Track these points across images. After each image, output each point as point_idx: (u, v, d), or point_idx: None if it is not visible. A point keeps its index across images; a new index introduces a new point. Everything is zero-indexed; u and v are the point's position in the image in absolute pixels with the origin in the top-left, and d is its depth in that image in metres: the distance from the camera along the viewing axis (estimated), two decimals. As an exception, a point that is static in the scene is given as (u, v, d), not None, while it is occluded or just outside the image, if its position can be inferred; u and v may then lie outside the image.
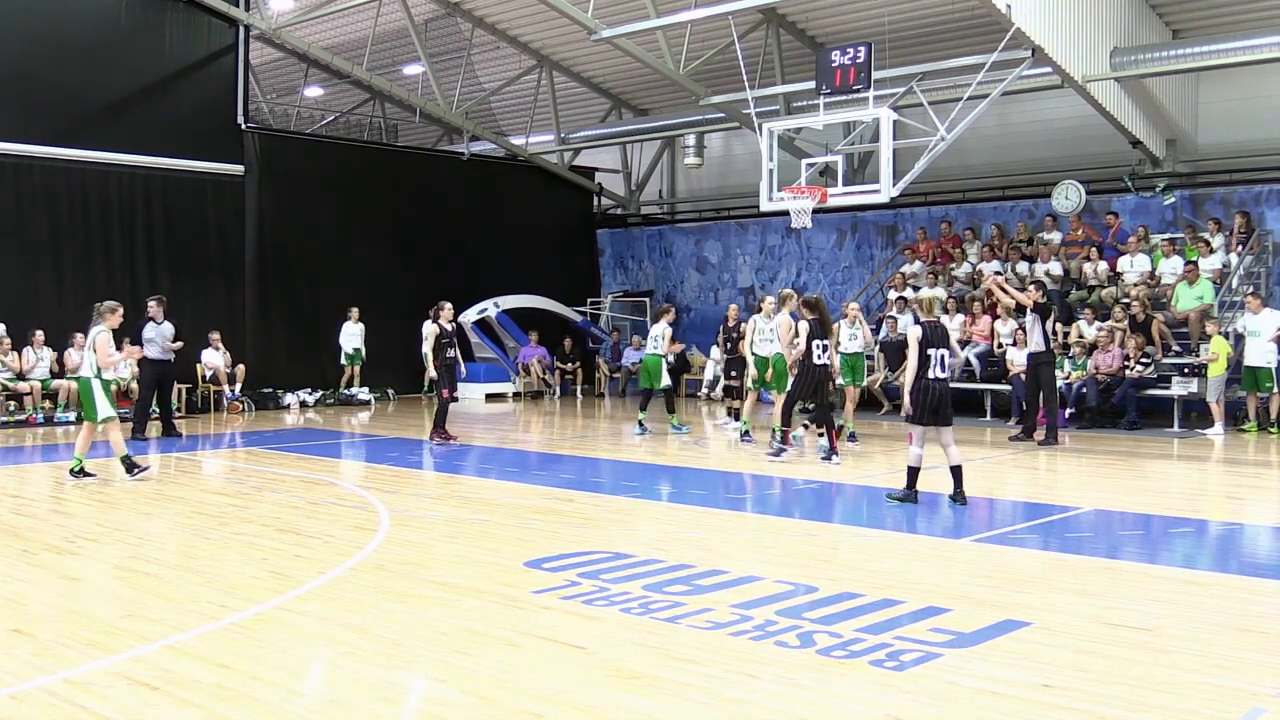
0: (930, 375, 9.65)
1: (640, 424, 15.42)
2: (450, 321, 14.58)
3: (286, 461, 12.95)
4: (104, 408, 10.99)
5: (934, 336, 9.77)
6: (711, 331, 22.63)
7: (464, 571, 7.16)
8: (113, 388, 15.79)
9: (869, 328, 15.46)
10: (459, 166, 24.06)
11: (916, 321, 10.34)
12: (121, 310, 11.37)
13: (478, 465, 12.55)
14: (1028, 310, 14.49)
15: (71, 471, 11.09)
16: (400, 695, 4.94)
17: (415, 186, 22.98)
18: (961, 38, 18.34)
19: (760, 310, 14.25)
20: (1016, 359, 16.98)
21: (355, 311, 20.85)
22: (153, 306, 15.31)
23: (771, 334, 13.69)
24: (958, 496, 9.67)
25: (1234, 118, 18.64)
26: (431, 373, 14.41)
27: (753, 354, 13.95)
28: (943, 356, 9.72)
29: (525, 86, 24.09)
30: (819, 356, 12.21)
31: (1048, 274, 18.14)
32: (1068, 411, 16.21)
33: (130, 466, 11.13)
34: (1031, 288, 14.96)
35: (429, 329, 14.37)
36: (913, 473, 9.72)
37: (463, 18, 22.07)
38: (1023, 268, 18.84)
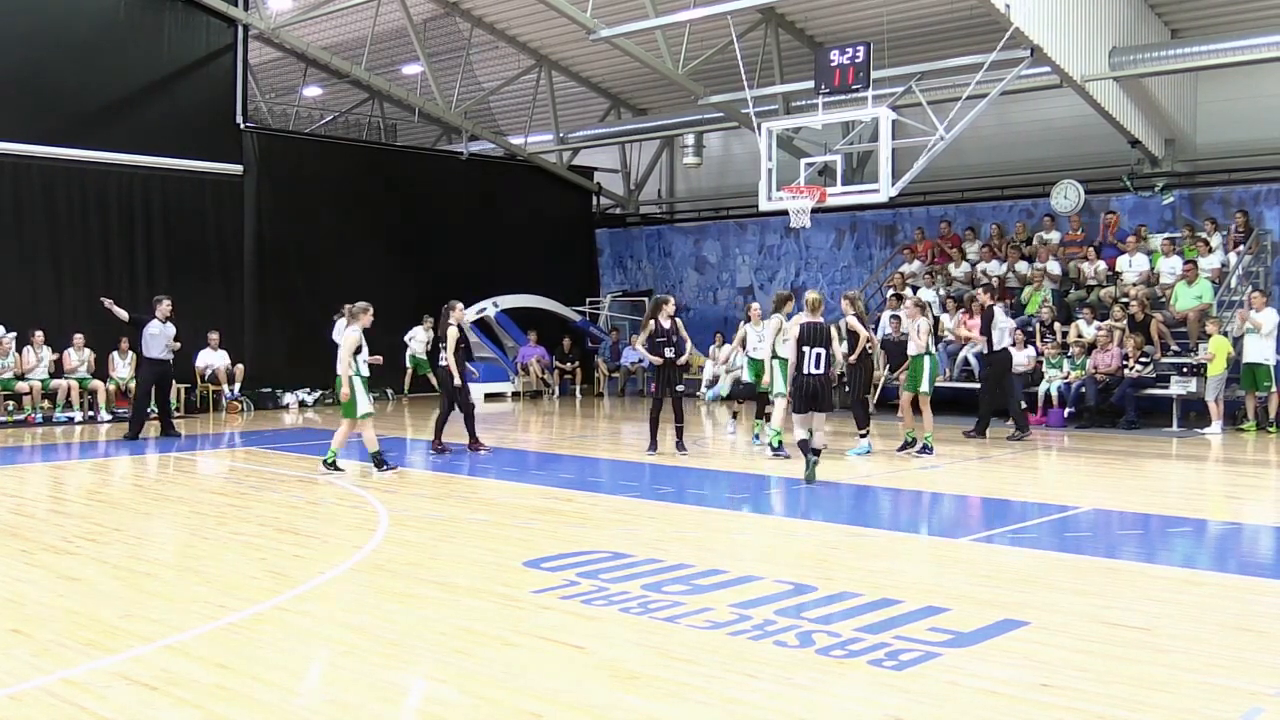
0: (805, 370, 10.90)
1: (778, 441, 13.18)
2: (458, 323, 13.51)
3: (285, 461, 12.95)
4: (363, 404, 11.45)
5: (811, 336, 10.94)
6: (710, 331, 22.64)
7: (463, 571, 7.16)
8: (111, 386, 15.85)
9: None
10: (458, 166, 24.05)
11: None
12: (372, 310, 11.80)
13: (476, 465, 12.54)
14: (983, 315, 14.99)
15: (325, 464, 11.56)
16: (399, 695, 4.93)
17: (414, 186, 22.97)
18: (960, 37, 18.35)
19: (749, 319, 14.07)
20: (1017, 359, 16.98)
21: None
22: (163, 306, 15.33)
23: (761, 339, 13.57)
24: (810, 474, 10.69)
25: (1232, 117, 18.64)
26: (457, 379, 13.30)
27: (750, 359, 13.87)
28: (818, 355, 10.90)
29: (524, 86, 24.09)
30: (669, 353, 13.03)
31: (1035, 269, 18.16)
32: (1066, 411, 16.23)
33: (380, 463, 11.51)
34: (980, 291, 15.54)
35: (451, 331, 13.23)
36: (803, 445, 10.94)
37: (461, 17, 22.07)
38: (1022, 267, 18.85)
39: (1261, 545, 8.57)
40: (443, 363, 13.32)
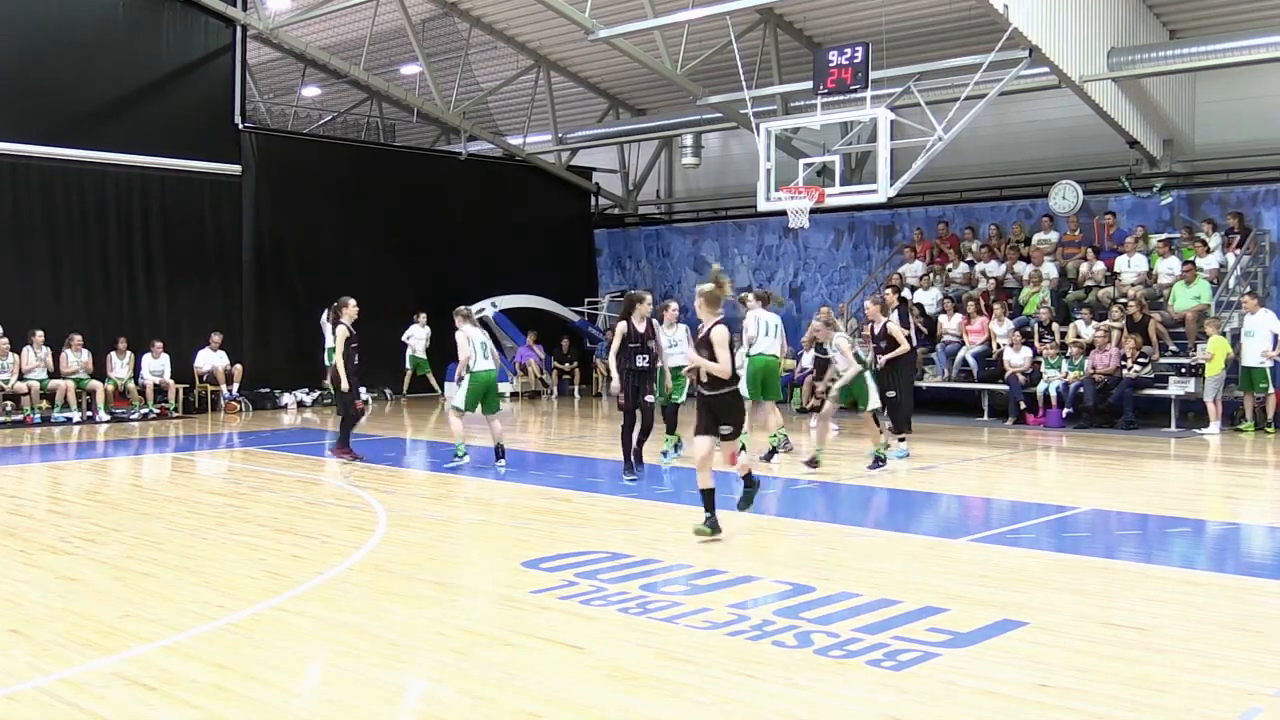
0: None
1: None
2: (353, 321, 12.68)
3: (284, 461, 12.94)
4: (459, 399, 12.16)
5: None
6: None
7: (461, 571, 7.16)
8: (109, 386, 15.75)
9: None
10: (456, 166, 24.05)
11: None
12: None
13: (475, 465, 12.53)
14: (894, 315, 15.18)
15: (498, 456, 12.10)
16: (397, 695, 4.94)
17: (412, 186, 22.95)
18: (959, 38, 18.34)
19: (663, 319, 12.14)
20: (1013, 359, 17.02)
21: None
22: None
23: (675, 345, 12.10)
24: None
25: (1231, 118, 18.64)
26: (344, 383, 12.40)
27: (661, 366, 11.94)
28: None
29: (523, 86, 24.08)
30: (641, 361, 11.18)
31: (1033, 271, 18.18)
32: (1065, 411, 16.23)
33: (501, 454, 12.04)
34: (888, 292, 15.75)
35: (340, 331, 12.56)
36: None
37: (460, 17, 22.06)
38: (1020, 267, 18.86)
39: (1259, 545, 8.58)
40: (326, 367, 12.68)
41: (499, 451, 12.03)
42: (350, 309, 12.66)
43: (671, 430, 12.60)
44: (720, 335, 8.19)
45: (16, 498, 10.54)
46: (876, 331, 12.65)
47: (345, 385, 12.47)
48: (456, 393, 12.23)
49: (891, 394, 12.47)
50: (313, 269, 21.16)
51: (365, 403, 12.81)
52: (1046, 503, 10.00)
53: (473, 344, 12.07)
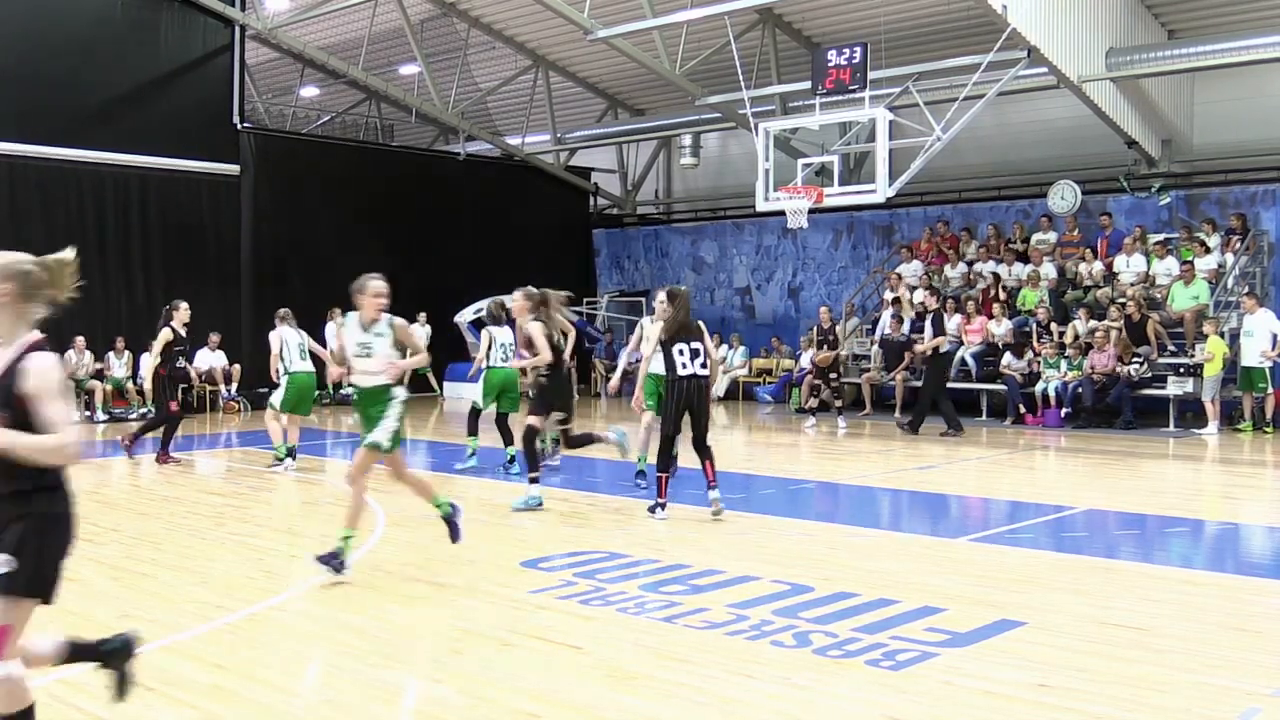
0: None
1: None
2: (184, 325, 12.35)
3: (282, 461, 12.91)
4: (276, 397, 12.31)
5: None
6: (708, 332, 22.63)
7: (460, 571, 7.15)
8: (108, 386, 15.72)
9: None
10: (455, 166, 24.05)
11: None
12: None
13: (474, 465, 12.53)
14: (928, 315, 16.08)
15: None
16: (396, 695, 4.93)
17: (411, 186, 22.96)
18: (957, 38, 18.34)
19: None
20: (1012, 363, 17.02)
21: (336, 312, 20.68)
22: None
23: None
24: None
25: (1229, 118, 18.64)
26: (147, 383, 12.57)
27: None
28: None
29: (521, 86, 24.08)
30: (685, 366, 9.04)
31: (1031, 271, 18.18)
32: (1063, 411, 16.24)
33: (293, 455, 12.11)
34: (902, 291, 16.54)
35: (164, 333, 12.27)
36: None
37: (459, 18, 22.07)
38: (1019, 268, 18.86)
39: (1258, 545, 8.58)
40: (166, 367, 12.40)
41: (292, 453, 12.09)
42: (181, 312, 12.35)
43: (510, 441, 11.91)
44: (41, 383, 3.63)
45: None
46: (519, 338, 10.25)
47: (161, 387, 12.52)
48: (276, 393, 12.21)
49: (562, 415, 10.37)
50: (311, 269, 21.11)
51: (180, 408, 12.71)
52: (1045, 503, 9.99)
53: (288, 345, 12.20)
